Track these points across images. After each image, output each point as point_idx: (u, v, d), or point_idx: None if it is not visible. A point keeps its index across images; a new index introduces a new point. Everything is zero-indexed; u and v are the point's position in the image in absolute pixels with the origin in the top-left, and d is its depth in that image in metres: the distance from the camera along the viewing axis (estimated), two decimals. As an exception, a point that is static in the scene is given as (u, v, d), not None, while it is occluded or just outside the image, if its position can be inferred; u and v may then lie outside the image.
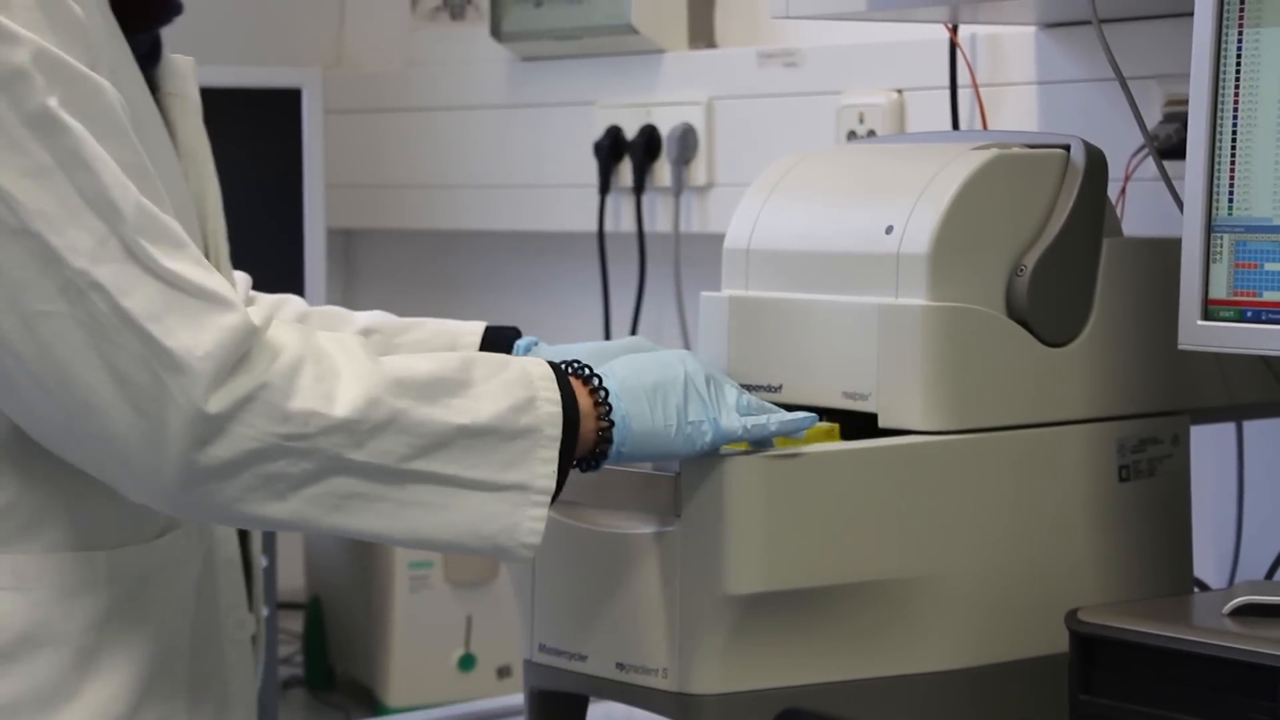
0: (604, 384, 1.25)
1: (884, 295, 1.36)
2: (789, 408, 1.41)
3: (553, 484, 1.21)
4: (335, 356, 1.17)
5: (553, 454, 1.21)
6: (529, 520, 1.21)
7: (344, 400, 1.16)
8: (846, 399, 1.37)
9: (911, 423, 1.35)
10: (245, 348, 1.14)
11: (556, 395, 1.22)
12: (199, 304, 1.13)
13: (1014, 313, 1.38)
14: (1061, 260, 1.40)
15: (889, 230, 1.36)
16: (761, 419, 1.28)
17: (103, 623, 1.18)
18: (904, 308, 1.35)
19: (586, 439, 1.24)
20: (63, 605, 1.17)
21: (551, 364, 1.24)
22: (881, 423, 1.36)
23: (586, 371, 1.25)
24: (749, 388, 1.43)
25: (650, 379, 1.25)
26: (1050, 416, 1.40)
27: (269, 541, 1.97)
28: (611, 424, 1.24)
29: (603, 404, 1.24)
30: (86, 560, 1.18)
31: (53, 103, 1.11)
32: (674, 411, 1.25)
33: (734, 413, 1.27)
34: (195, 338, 1.12)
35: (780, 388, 1.41)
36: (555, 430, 1.21)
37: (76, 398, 1.12)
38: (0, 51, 1.10)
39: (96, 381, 1.12)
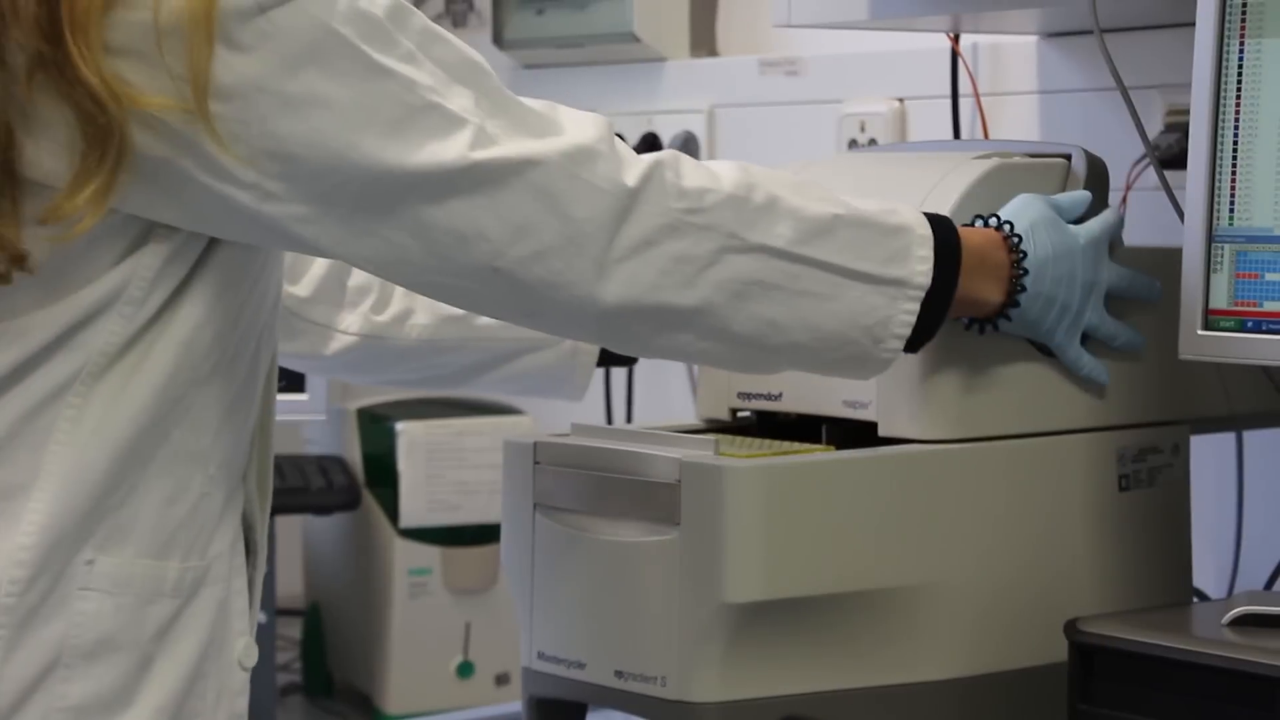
0: (1014, 228, 1.32)
1: None
2: (790, 419, 1.40)
3: (928, 281, 1.26)
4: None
5: (928, 253, 1.26)
6: (902, 314, 1.26)
7: (727, 179, 1.23)
8: (846, 408, 1.37)
9: (911, 431, 1.35)
10: (615, 136, 1.20)
11: (917, 210, 1.28)
12: (558, 114, 1.20)
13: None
14: None
15: None
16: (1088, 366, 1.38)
17: (162, 633, 1.19)
18: None
19: (997, 263, 1.30)
20: (138, 612, 1.18)
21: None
22: (881, 431, 1.36)
23: (993, 220, 1.33)
24: (748, 396, 1.43)
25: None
26: (1051, 426, 1.40)
27: (268, 547, 1.97)
28: (1025, 255, 1.31)
29: (1010, 236, 1.32)
30: (162, 569, 1.19)
31: None
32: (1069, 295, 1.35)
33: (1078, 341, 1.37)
34: (586, 132, 1.19)
35: (780, 396, 1.41)
36: (926, 231, 1.26)
37: (510, 223, 1.17)
38: None
39: (523, 203, 1.17)
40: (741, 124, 2.07)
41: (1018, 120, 1.83)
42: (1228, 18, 1.36)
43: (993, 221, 1.33)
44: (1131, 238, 1.63)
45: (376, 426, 2.08)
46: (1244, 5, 1.35)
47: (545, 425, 1.98)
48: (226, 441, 1.21)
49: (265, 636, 1.96)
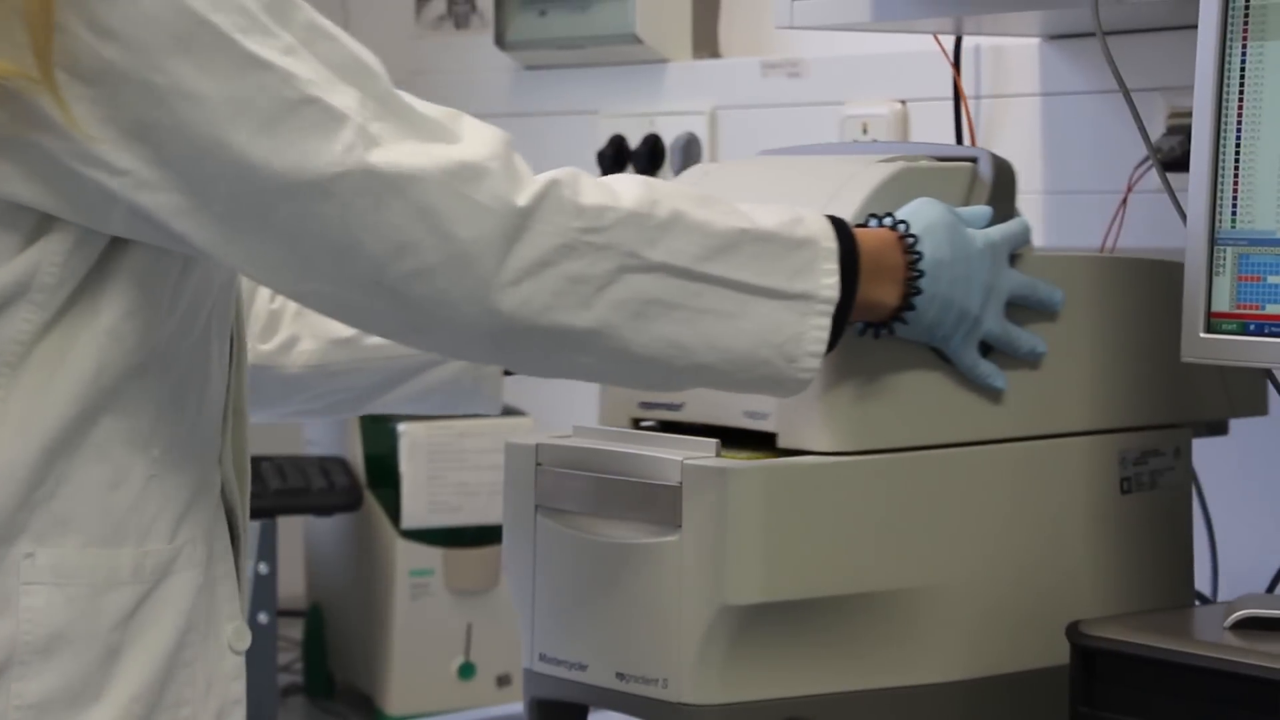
0: (910, 229, 1.28)
1: None
2: (690, 428, 1.37)
3: (836, 294, 1.23)
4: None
5: (833, 266, 1.23)
6: (814, 329, 1.23)
7: (628, 196, 1.19)
8: (747, 418, 1.34)
9: (811, 443, 1.31)
10: (514, 154, 1.17)
11: (821, 217, 1.25)
12: (459, 124, 1.17)
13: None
14: None
15: None
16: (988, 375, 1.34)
17: (126, 621, 1.18)
18: None
19: (892, 265, 1.27)
20: (94, 602, 1.17)
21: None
22: (780, 443, 1.32)
23: (889, 219, 1.29)
24: (649, 406, 1.39)
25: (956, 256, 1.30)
26: (960, 437, 1.36)
27: (269, 548, 1.97)
28: (920, 256, 1.28)
29: (906, 237, 1.28)
30: (115, 557, 1.18)
31: None
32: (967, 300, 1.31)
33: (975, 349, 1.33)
34: (478, 148, 1.15)
35: (682, 406, 1.38)
36: (831, 244, 1.24)
37: (390, 240, 1.13)
38: None
39: (403, 220, 1.13)
40: (743, 125, 2.07)
41: (1020, 122, 1.83)
42: (1230, 20, 1.36)
43: (888, 221, 1.30)
44: (1133, 241, 1.63)
45: (378, 427, 2.08)
46: (1247, 8, 1.35)
47: (547, 427, 1.98)
48: (173, 426, 1.19)
49: (266, 637, 1.97)
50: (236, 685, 1.24)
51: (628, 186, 1.21)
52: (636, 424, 1.41)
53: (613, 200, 1.19)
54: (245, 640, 1.24)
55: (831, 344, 1.25)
